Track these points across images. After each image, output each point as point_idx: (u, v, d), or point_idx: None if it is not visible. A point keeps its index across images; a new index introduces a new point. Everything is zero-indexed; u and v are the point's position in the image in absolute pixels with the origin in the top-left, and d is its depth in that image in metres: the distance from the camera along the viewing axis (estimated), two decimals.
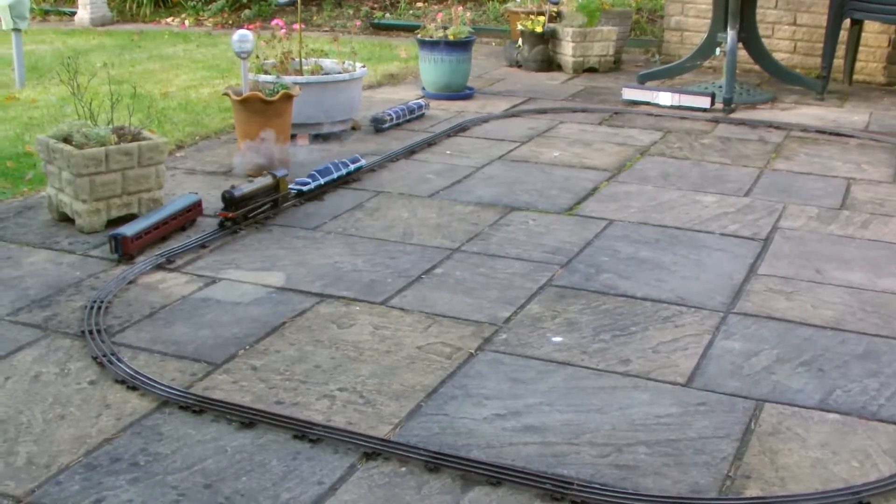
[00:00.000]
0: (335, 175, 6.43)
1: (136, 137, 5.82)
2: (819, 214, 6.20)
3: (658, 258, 5.39)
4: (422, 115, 8.52)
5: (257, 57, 7.58)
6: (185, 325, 4.55)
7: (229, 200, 5.68)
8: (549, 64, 10.98)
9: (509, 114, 8.77)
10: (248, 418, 3.76)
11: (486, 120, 8.50)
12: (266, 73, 7.39)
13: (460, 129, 8.13)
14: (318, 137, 7.69)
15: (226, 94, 6.84)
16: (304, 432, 3.68)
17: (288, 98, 6.80)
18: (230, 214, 5.67)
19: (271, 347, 4.34)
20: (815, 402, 3.98)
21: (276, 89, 6.75)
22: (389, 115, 8.09)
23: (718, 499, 3.36)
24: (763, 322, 4.67)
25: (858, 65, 10.64)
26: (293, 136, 7.33)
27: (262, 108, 6.67)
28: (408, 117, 8.30)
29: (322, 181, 6.32)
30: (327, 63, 7.97)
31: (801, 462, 3.56)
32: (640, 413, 3.86)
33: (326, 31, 12.90)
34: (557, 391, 4.01)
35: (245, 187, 5.80)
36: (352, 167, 6.61)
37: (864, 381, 4.15)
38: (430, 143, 7.66)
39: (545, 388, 4.03)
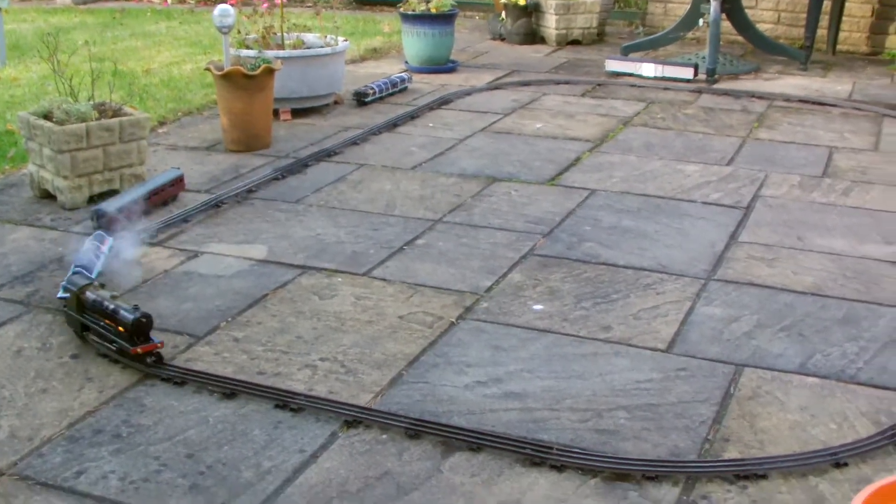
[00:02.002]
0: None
1: (117, 113, 5.81)
2: (801, 182, 6.22)
3: (640, 227, 5.40)
4: (405, 89, 8.51)
5: (239, 32, 7.56)
6: (168, 298, 4.55)
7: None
8: (533, 37, 10.97)
9: (493, 86, 8.77)
10: (229, 389, 3.77)
11: (469, 93, 8.49)
12: (248, 47, 7.36)
13: (443, 102, 8.12)
14: (300, 112, 7.67)
15: (207, 70, 6.82)
16: (286, 402, 3.69)
17: (270, 72, 6.79)
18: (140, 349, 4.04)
19: (253, 319, 4.35)
20: (795, 367, 4.00)
21: (257, 64, 6.74)
22: (372, 88, 8.09)
23: (697, 461, 3.37)
24: (744, 288, 4.68)
25: (842, 35, 10.65)
26: (276, 111, 7.30)
27: (244, 83, 6.66)
28: (391, 91, 8.29)
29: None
30: (310, 38, 7.95)
31: (780, 425, 3.58)
32: (621, 379, 3.88)
33: (309, 6, 12.84)
34: (538, 358, 4.02)
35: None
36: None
37: (843, 346, 4.17)
38: (413, 116, 7.66)
39: (526, 356, 4.04)
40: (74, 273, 4.46)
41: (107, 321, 4.07)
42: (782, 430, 3.56)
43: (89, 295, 4.14)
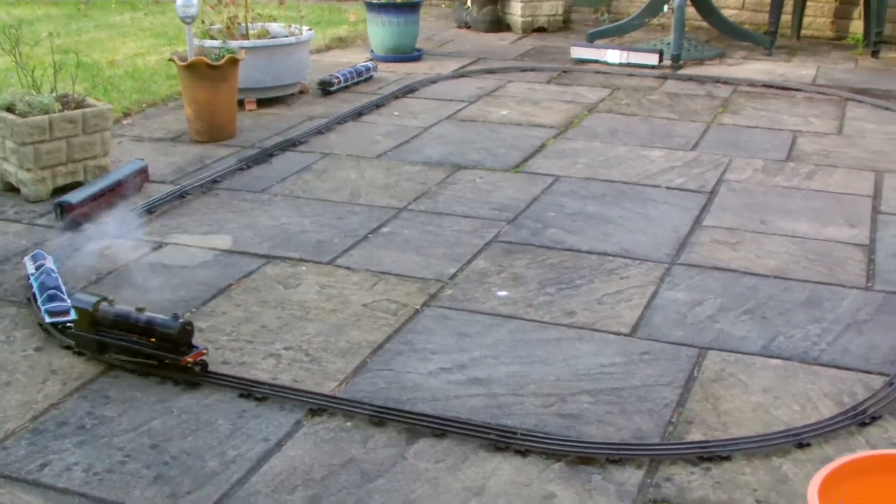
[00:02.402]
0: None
1: (80, 105, 5.78)
2: (765, 166, 6.24)
3: (604, 212, 5.41)
4: (370, 78, 8.50)
5: (203, 22, 7.54)
6: (133, 289, 4.54)
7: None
8: (499, 24, 10.96)
9: (458, 74, 8.77)
10: (194, 379, 3.76)
11: (434, 81, 8.49)
12: (212, 38, 7.34)
13: (409, 91, 8.11)
14: (266, 101, 7.66)
15: (171, 61, 6.80)
16: (251, 391, 3.69)
17: (234, 63, 6.77)
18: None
19: (218, 309, 4.34)
20: (758, 349, 4.02)
21: (221, 54, 6.72)
22: (337, 77, 8.07)
23: (661, 444, 3.39)
24: (708, 272, 4.70)
25: (806, 20, 10.70)
26: (241, 101, 7.29)
27: (208, 74, 6.64)
28: (356, 80, 8.28)
29: None
30: (274, 27, 7.94)
31: (743, 407, 3.59)
32: (585, 363, 3.89)
33: None
34: (503, 344, 4.03)
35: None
36: None
37: (806, 328, 4.19)
38: (378, 105, 7.65)
39: (490, 342, 4.05)
40: (50, 294, 4.25)
41: (136, 335, 3.85)
42: (745, 411, 3.57)
43: (108, 311, 3.90)
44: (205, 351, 3.83)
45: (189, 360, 3.76)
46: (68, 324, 4.09)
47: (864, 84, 8.59)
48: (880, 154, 6.53)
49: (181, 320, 3.78)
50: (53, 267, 4.53)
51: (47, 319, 4.15)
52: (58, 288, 4.32)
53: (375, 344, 4.04)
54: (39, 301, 4.24)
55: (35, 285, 4.36)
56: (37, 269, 4.47)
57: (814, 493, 2.42)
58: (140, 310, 3.87)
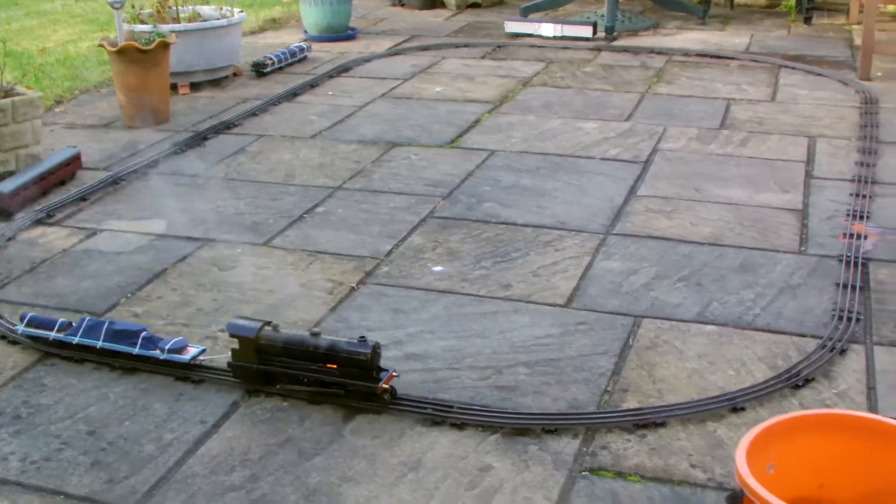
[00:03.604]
0: None
1: (9, 93, 5.72)
2: (699, 135, 6.28)
3: (539, 185, 5.43)
4: (304, 58, 8.46)
5: (133, 7, 7.48)
6: (67, 277, 4.51)
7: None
8: (433, 1, 10.95)
9: (392, 52, 8.75)
10: (130, 365, 3.74)
11: (368, 59, 8.46)
12: (143, 22, 7.29)
13: (343, 70, 8.09)
14: (199, 85, 7.61)
15: (101, 46, 6.74)
16: (187, 374, 3.67)
17: (165, 47, 6.72)
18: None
19: (154, 294, 4.32)
20: (693, 316, 4.04)
21: (152, 38, 6.68)
22: (271, 59, 8.04)
23: (597, 413, 3.40)
24: (643, 241, 4.73)
25: None
26: (174, 86, 7.24)
27: (139, 58, 6.59)
28: (290, 61, 8.24)
29: None
30: (206, 10, 7.88)
31: (679, 373, 3.62)
32: (521, 335, 3.90)
33: None
34: (439, 319, 4.04)
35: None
36: None
37: (740, 293, 4.23)
38: (312, 85, 7.62)
39: (427, 317, 4.05)
40: (146, 337, 3.76)
41: (314, 362, 3.51)
42: (681, 378, 3.60)
43: (275, 337, 3.56)
44: (395, 374, 3.53)
45: (384, 385, 3.45)
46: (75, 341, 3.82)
47: (797, 51, 8.64)
48: (813, 119, 6.58)
49: (370, 342, 3.44)
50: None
51: (173, 357, 3.71)
52: (136, 330, 3.81)
53: (312, 323, 4.04)
54: (139, 349, 3.74)
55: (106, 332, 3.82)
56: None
57: (742, 455, 2.45)
58: (315, 334, 3.52)
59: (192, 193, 5.43)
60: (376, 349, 3.43)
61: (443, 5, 10.96)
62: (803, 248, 4.66)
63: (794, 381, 3.58)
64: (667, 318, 4.03)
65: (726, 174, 5.57)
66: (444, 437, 3.30)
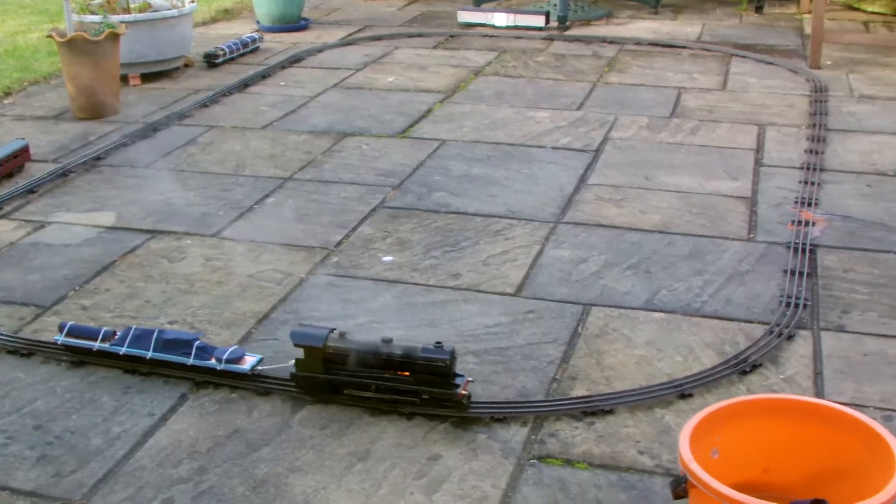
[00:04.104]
0: None
1: None
2: (650, 124, 6.30)
3: (490, 174, 5.43)
4: (256, 49, 8.43)
5: None
6: (14, 270, 4.48)
7: None
8: None
9: (345, 42, 8.73)
10: (78, 358, 3.72)
11: (321, 50, 8.44)
12: (93, 13, 7.24)
13: (295, 60, 8.07)
14: (150, 76, 7.57)
15: (50, 37, 6.69)
16: (136, 367, 3.65)
17: (114, 37, 6.68)
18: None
19: (102, 286, 4.30)
20: (642, 303, 4.06)
21: (101, 29, 6.63)
22: (223, 49, 8.00)
23: (545, 401, 3.41)
24: (592, 230, 4.74)
25: None
26: (124, 77, 7.21)
27: (88, 49, 6.54)
28: (242, 51, 8.21)
29: None
30: (157, 0, 7.84)
31: (627, 361, 3.63)
32: (470, 324, 3.91)
33: None
34: (388, 308, 4.04)
35: None
36: None
37: (689, 280, 4.25)
38: (264, 76, 7.60)
39: (376, 307, 4.05)
40: (199, 346, 3.61)
41: (387, 370, 3.39)
42: (629, 365, 3.61)
43: (344, 346, 3.41)
44: (471, 379, 3.43)
45: (464, 392, 3.35)
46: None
47: (748, 39, 8.69)
48: (762, 108, 6.61)
49: (447, 347, 3.32)
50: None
51: (232, 368, 3.57)
52: (189, 339, 3.65)
53: (261, 314, 4.03)
54: (193, 359, 3.59)
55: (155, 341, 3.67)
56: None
57: (685, 441, 2.46)
58: (387, 340, 3.38)
59: (141, 185, 5.40)
60: (454, 355, 3.33)
61: None
62: (752, 236, 4.69)
63: (741, 366, 3.60)
64: (616, 306, 4.04)
65: (676, 162, 5.60)
66: (392, 427, 3.30)
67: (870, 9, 9.78)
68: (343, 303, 4.09)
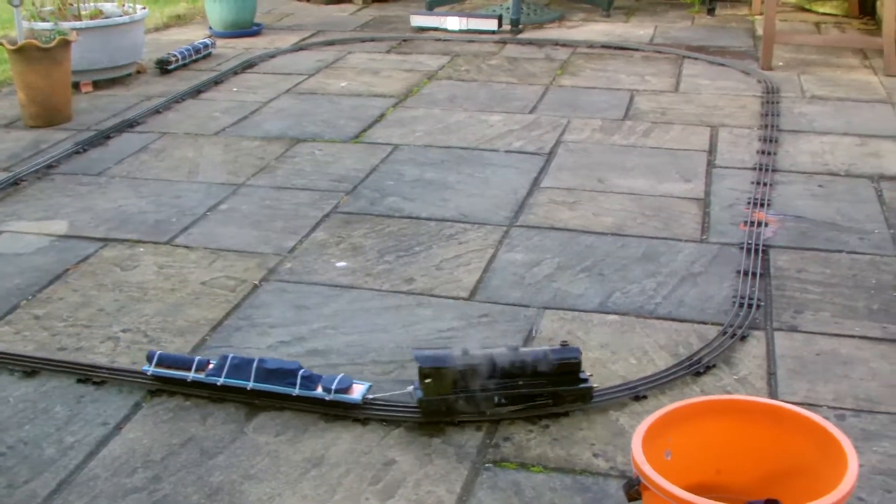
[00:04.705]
0: None
1: None
2: (603, 126, 6.32)
3: (443, 178, 5.44)
4: (209, 55, 8.40)
5: (33, 4, 7.39)
6: None
7: None
8: None
9: (298, 47, 8.71)
10: (30, 367, 3.70)
11: (273, 55, 8.42)
12: (44, 20, 7.20)
13: (248, 66, 8.04)
14: (103, 83, 7.53)
15: (0, 45, 6.65)
16: (89, 376, 3.64)
17: (66, 44, 6.64)
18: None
19: (54, 295, 4.27)
20: (595, 306, 4.07)
21: (52, 36, 6.60)
22: (175, 55, 7.97)
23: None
24: (546, 233, 4.75)
25: None
26: (76, 84, 7.17)
27: (39, 56, 6.51)
28: (194, 57, 8.18)
29: None
30: (108, 7, 7.81)
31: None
32: (424, 329, 3.91)
33: None
34: (342, 314, 4.03)
35: None
36: None
37: (642, 282, 4.26)
38: (217, 82, 7.57)
39: (329, 313, 4.05)
40: (305, 376, 3.47)
41: (521, 379, 3.36)
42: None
43: (482, 361, 3.32)
44: (590, 374, 3.46)
45: (596, 385, 3.45)
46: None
47: (700, 41, 8.73)
48: (715, 109, 6.65)
49: (570, 344, 3.43)
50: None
51: (341, 398, 3.43)
52: (292, 369, 3.51)
53: (214, 321, 4.01)
54: (299, 390, 3.45)
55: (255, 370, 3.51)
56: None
57: (638, 443, 2.47)
58: (514, 348, 3.37)
59: (94, 193, 5.37)
60: (580, 351, 3.41)
61: (349, 0, 10.92)
62: (705, 237, 4.71)
63: (695, 368, 3.62)
64: (569, 309, 4.05)
65: (629, 164, 5.62)
66: (347, 433, 3.30)
67: (821, 10, 9.85)
68: (297, 309, 4.09)
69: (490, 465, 3.13)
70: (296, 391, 3.43)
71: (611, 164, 5.63)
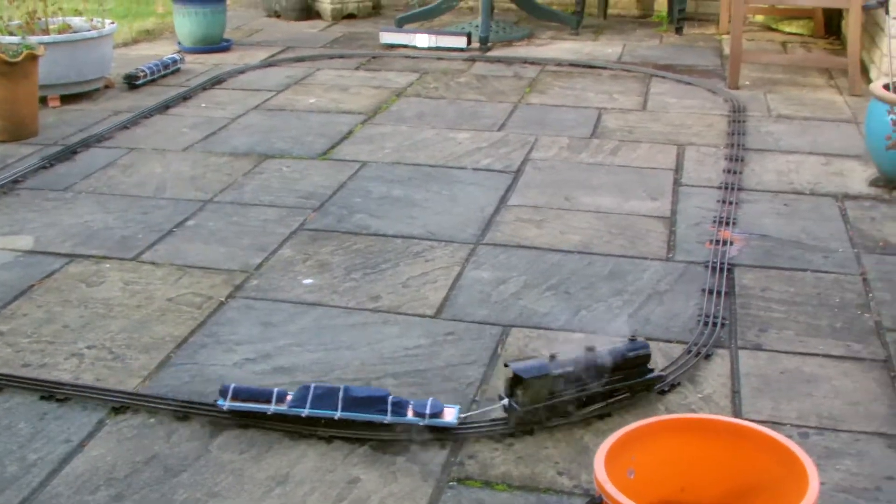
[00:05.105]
0: None
1: None
2: (570, 144, 6.34)
3: (411, 196, 5.44)
4: (178, 70, 8.38)
5: (1, 18, 7.37)
6: None
7: None
8: (308, 12, 10.91)
9: (267, 63, 8.71)
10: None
11: (242, 71, 8.41)
12: (11, 34, 7.19)
13: (217, 82, 8.03)
14: (70, 97, 7.51)
15: None
16: (52, 392, 3.62)
17: (33, 59, 6.63)
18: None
19: (19, 311, 4.25)
20: (561, 323, 4.08)
21: (20, 50, 6.58)
22: (143, 71, 7.95)
23: (464, 423, 3.41)
24: (512, 251, 4.76)
25: None
26: (43, 98, 7.15)
27: (6, 71, 6.48)
28: (163, 72, 8.16)
29: None
30: (76, 21, 7.79)
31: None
32: (390, 346, 3.91)
33: None
34: (308, 331, 4.03)
35: None
36: None
37: (608, 300, 4.28)
38: (185, 98, 7.56)
39: (296, 330, 4.05)
40: (395, 401, 3.42)
41: (604, 377, 3.48)
42: None
43: (572, 366, 3.43)
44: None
45: (662, 373, 3.66)
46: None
47: (668, 60, 8.78)
48: (682, 127, 6.68)
49: (637, 338, 3.60)
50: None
51: (437, 422, 3.40)
52: (381, 396, 3.45)
53: (180, 338, 4.00)
54: (391, 417, 3.40)
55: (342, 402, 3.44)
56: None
57: (600, 461, 2.48)
58: (591, 348, 3.47)
59: (60, 208, 5.35)
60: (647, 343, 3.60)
61: (318, 16, 10.93)
62: (671, 255, 4.73)
63: (659, 386, 3.63)
64: (535, 327, 4.06)
65: (596, 183, 5.64)
66: (311, 451, 3.29)
67: (787, 29, 9.91)
68: (263, 326, 4.08)
69: (454, 483, 3.14)
70: (387, 418, 3.38)
71: (578, 182, 5.65)
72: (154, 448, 3.32)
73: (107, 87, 7.85)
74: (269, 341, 3.96)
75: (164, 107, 7.30)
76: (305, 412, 3.41)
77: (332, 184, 5.63)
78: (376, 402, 3.40)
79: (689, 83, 7.89)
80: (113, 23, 7.80)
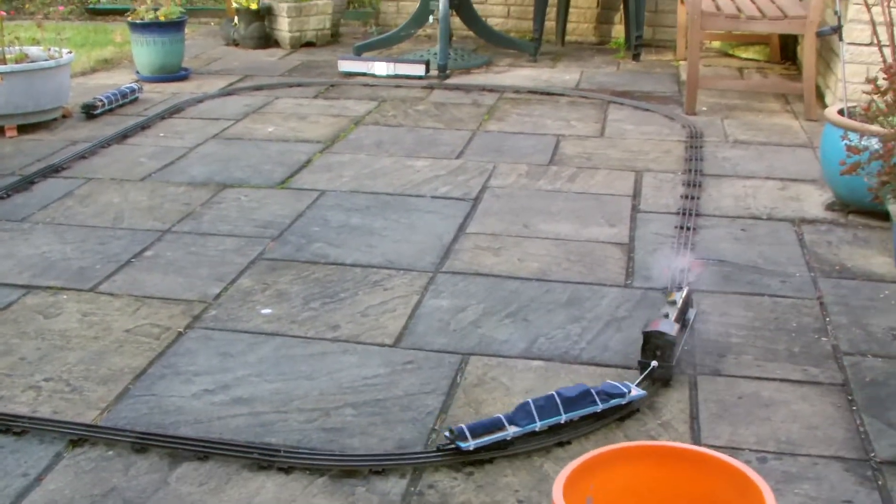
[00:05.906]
0: None
1: None
2: (528, 171, 6.36)
3: (369, 224, 5.44)
4: (136, 99, 8.35)
5: None
6: None
7: None
8: (267, 40, 10.90)
9: (225, 92, 8.69)
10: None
11: (201, 100, 8.40)
12: None
13: (175, 111, 8.01)
14: (27, 127, 7.47)
15: None
16: (9, 426, 3.60)
17: None
18: None
19: None
20: (520, 351, 4.09)
21: None
22: (101, 100, 7.93)
23: (423, 452, 3.42)
24: (471, 279, 4.77)
25: (570, 26, 10.93)
26: (0, 128, 7.12)
27: None
28: (121, 102, 8.13)
29: None
30: (33, 51, 7.76)
31: (506, 409, 3.63)
32: (349, 376, 3.91)
33: (41, 17, 12.52)
34: (266, 362, 4.02)
35: None
36: None
37: (567, 328, 4.29)
38: (143, 127, 7.54)
39: (254, 360, 4.04)
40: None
41: None
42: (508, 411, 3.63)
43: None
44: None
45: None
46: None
47: (626, 86, 8.82)
48: (639, 154, 6.72)
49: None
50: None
51: (636, 397, 3.75)
52: (586, 390, 3.66)
53: (138, 370, 3.99)
54: (602, 405, 3.65)
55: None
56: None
57: (559, 489, 2.47)
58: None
59: (16, 239, 5.32)
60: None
61: (277, 44, 10.93)
62: (629, 281, 4.75)
63: (619, 413, 3.64)
64: (494, 355, 4.07)
65: (554, 209, 5.66)
66: (270, 482, 3.29)
67: (744, 55, 9.99)
68: (221, 357, 4.07)
69: None
70: (600, 407, 3.61)
71: (536, 209, 5.66)
72: (112, 481, 3.30)
73: (64, 116, 7.82)
74: (227, 372, 3.95)
75: (123, 136, 7.27)
76: (539, 426, 3.51)
77: (291, 213, 5.62)
78: (585, 395, 3.60)
79: (646, 109, 7.94)
80: (70, 52, 7.77)
